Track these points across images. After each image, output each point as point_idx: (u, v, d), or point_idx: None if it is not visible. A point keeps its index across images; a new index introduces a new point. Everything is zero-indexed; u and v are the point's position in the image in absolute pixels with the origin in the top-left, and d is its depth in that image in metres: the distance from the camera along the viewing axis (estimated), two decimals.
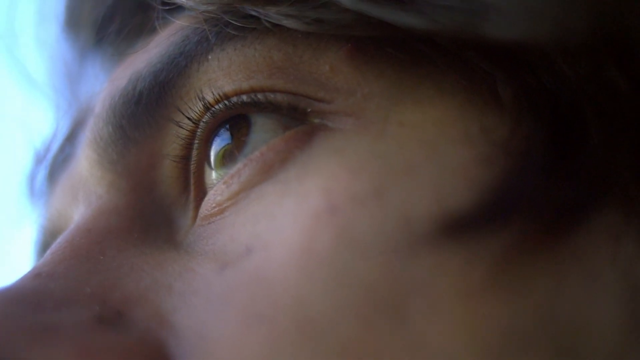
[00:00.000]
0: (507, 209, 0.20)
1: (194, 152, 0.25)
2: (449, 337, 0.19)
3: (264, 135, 0.24)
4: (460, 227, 0.20)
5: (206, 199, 0.24)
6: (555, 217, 0.20)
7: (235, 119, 0.25)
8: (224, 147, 0.25)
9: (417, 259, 0.20)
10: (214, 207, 0.24)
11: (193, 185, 0.25)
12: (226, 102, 0.24)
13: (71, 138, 0.32)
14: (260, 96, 0.24)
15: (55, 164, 0.33)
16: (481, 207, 0.20)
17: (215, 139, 0.25)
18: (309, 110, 0.23)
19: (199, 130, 0.25)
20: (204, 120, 0.25)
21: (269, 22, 0.24)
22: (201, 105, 0.25)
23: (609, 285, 0.20)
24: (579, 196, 0.21)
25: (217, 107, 0.24)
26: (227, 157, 0.25)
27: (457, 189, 0.20)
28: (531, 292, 0.20)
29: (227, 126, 0.25)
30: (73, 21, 0.36)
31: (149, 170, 0.26)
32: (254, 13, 0.24)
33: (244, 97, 0.24)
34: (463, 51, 0.22)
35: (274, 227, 0.21)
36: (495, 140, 0.21)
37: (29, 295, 0.21)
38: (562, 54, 0.22)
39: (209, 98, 0.24)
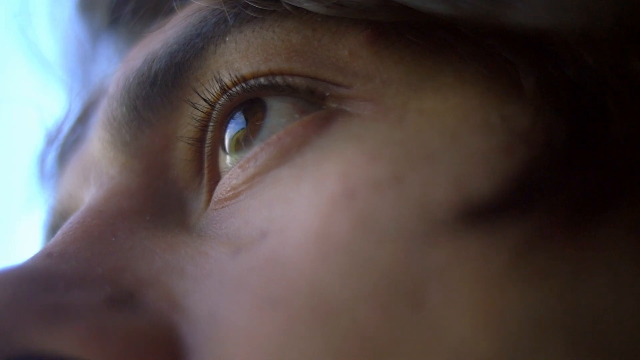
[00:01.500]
0: (526, 198, 0.20)
1: (209, 135, 0.25)
2: (467, 325, 0.18)
3: (279, 119, 0.24)
4: (479, 215, 0.20)
5: (221, 182, 0.24)
6: (576, 209, 0.20)
7: (250, 102, 0.24)
8: (238, 131, 0.25)
9: (436, 246, 0.19)
10: (229, 191, 0.23)
11: (207, 168, 0.25)
12: (243, 84, 0.24)
13: (83, 119, 0.32)
14: (278, 79, 0.23)
15: (67, 145, 0.32)
16: (501, 195, 0.20)
17: (230, 122, 0.25)
18: (327, 94, 0.23)
19: (214, 112, 0.25)
20: (220, 102, 0.25)
21: (289, 4, 0.23)
22: (218, 87, 0.24)
23: (630, 280, 0.20)
24: (600, 188, 0.20)
25: (234, 89, 0.24)
26: (242, 142, 0.24)
27: (476, 178, 0.20)
28: (550, 283, 0.19)
29: (242, 110, 0.25)
30: (88, 1, 0.36)
31: (162, 153, 0.26)
32: None
33: (262, 80, 0.24)
34: (485, 39, 0.22)
35: (289, 211, 0.21)
36: (515, 130, 0.21)
37: (40, 275, 0.21)
38: (585, 44, 0.22)
39: (226, 80, 0.24)
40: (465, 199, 0.20)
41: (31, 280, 0.21)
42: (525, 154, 0.21)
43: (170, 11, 0.28)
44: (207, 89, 0.25)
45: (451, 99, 0.22)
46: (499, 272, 0.19)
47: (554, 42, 0.22)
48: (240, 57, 0.24)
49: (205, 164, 0.25)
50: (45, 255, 0.22)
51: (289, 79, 0.23)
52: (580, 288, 0.19)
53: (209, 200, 0.25)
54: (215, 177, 0.25)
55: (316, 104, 0.23)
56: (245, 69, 0.24)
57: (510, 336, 0.19)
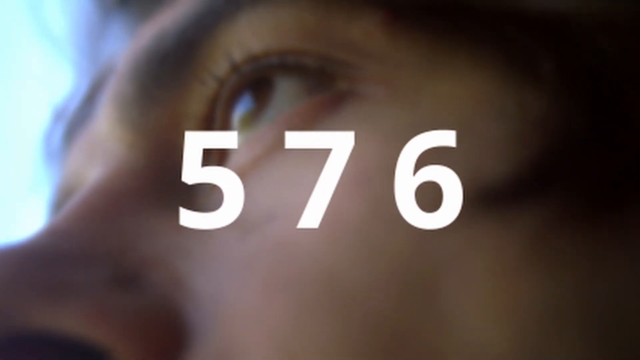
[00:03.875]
0: (543, 184, 0.20)
1: (218, 114, 0.25)
2: (481, 313, 0.18)
3: (287, 99, 0.23)
4: (494, 201, 0.19)
5: (228, 163, 0.24)
6: (595, 195, 0.20)
7: (258, 83, 0.24)
8: (247, 111, 0.24)
9: (450, 232, 0.19)
10: (237, 172, 0.23)
11: (215, 148, 0.25)
12: (254, 63, 0.24)
13: (91, 97, 0.31)
14: (289, 58, 0.23)
15: (74, 122, 0.32)
16: (516, 181, 0.19)
17: (239, 102, 0.24)
18: (338, 75, 0.23)
19: (223, 91, 0.24)
20: (230, 80, 0.24)
21: None
22: (228, 65, 0.24)
23: None
24: (620, 175, 0.20)
25: (244, 68, 0.24)
26: (251, 121, 0.24)
27: (492, 163, 0.20)
28: (568, 271, 0.19)
29: (250, 90, 0.24)
30: None
31: (171, 131, 0.25)
32: None
33: (273, 59, 0.23)
34: (503, 23, 0.22)
35: (299, 193, 0.21)
36: (531, 116, 0.21)
37: (43, 252, 0.21)
38: (605, 31, 0.21)
39: (237, 58, 0.24)
40: (479, 185, 0.19)
41: (34, 257, 0.20)
42: (542, 141, 0.20)
43: None
44: (217, 67, 0.24)
45: (467, 83, 0.21)
46: (515, 259, 0.19)
47: (573, 28, 0.21)
48: (252, 35, 0.23)
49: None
50: (49, 233, 0.22)
51: (301, 58, 0.23)
52: (600, 276, 0.19)
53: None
54: (224, 157, 0.25)
55: (326, 84, 0.23)
56: (257, 47, 0.23)
57: (526, 325, 0.18)
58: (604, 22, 0.21)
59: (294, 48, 0.23)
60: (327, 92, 0.23)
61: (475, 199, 0.19)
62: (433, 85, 0.22)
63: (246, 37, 0.23)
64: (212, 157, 0.25)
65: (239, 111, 0.24)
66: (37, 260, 0.20)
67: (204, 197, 0.24)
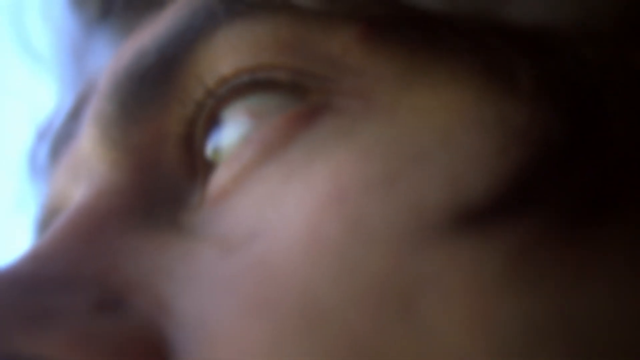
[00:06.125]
0: (524, 199, 0.19)
1: (198, 133, 0.25)
2: (460, 333, 0.18)
3: (262, 117, 0.23)
4: (474, 218, 0.19)
5: (209, 183, 0.24)
6: (574, 210, 0.19)
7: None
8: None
9: (429, 250, 0.19)
10: (219, 190, 0.23)
11: (199, 166, 0.25)
12: (227, 84, 0.24)
13: (75, 115, 0.31)
14: (260, 74, 0.23)
15: (59, 139, 0.32)
16: (495, 197, 0.19)
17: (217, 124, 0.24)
18: (312, 88, 0.23)
19: (203, 112, 0.24)
20: (207, 103, 0.24)
21: None
22: (203, 90, 0.24)
23: (631, 286, 0.20)
24: (600, 189, 0.20)
25: (219, 91, 0.24)
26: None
27: (471, 178, 0.20)
28: (547, 289, 0.19)
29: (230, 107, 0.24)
30: None
31: (153, 150, 0.25)
32: None
33: (245, 77, 0.23)
34: (481, 35, 0.22)
35: (279, 211, 0.20)
36: (511, 128, 0.20)
37: (26, 278, 0.21)
38: (585, 40, 0.21)
39: (209, 82, 0.24)
40: (459, 201, 0.19)
41: (17, 284, 0.20)
42: (522, 153, 0.20)
43: (161, 4, 0.27)
44: (193, 91, 0.24)
45: (445, 96, 0.21)
46: (493, 277, 0.19)
47: (553, 38, 0.21)
48: (230, 51, 0.23)
49: (197, 163, 0.25)
50: (32, 258, 0.22)
51: (272, 73, 0.23)
52: (579, 294, 0.19)
53: (201, 199, 0.24)
54: (209, 174, 0.24)
55: (299, 98, 0.23)
56: (228, 68, 0.23)
57: (505, 344, 0.18)
58: (586, 33, 0.21)
59: (266, 63, 0.23)
60: (300, 106, 0.22)
61: (455, 216, 0.19)
62: (411, 98, 0.22)
63: (225, 54, 0.23)
64: (197, 175, 0.25)
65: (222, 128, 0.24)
66: (20, 287, 0.20)
67: (188, 215, 0.24)
